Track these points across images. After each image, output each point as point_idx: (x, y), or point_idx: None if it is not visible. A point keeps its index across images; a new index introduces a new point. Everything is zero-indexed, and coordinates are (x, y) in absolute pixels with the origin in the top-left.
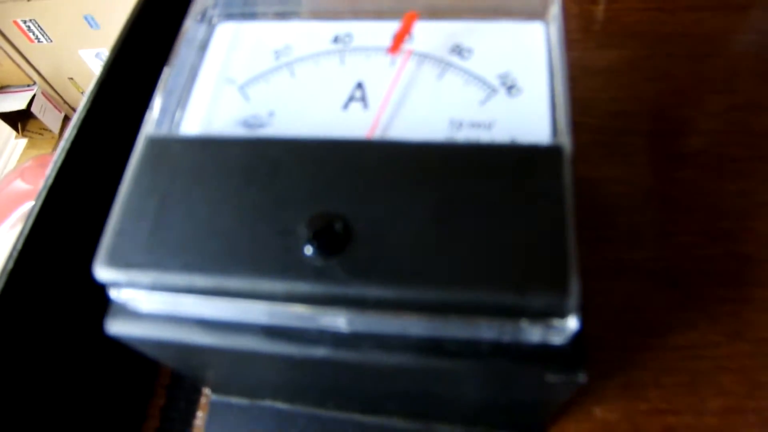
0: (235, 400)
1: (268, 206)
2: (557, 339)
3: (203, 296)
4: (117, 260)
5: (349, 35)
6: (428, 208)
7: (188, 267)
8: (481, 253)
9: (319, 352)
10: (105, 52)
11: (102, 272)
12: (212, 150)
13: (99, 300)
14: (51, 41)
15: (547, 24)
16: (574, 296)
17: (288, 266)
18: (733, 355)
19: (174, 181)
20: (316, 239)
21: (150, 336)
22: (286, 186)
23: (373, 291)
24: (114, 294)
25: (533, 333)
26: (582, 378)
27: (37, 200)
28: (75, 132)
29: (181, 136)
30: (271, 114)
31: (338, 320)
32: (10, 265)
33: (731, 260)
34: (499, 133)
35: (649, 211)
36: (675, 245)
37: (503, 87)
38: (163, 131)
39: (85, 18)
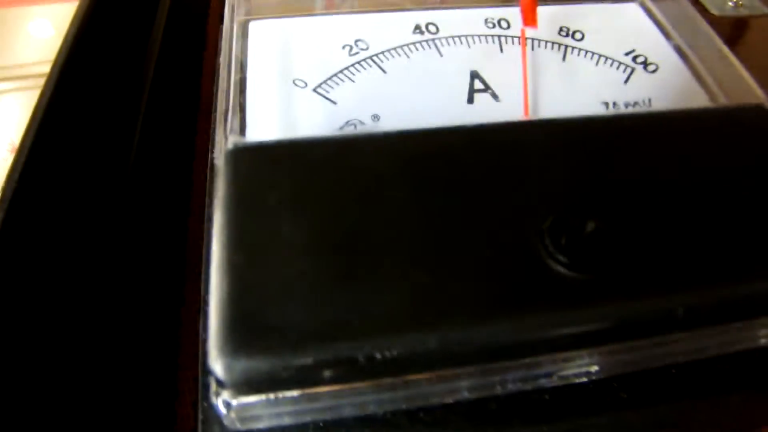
0: None
1: (465, 217)
2: None
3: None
4: (255, 344)
5: (433, 24)
6: (673, 191)
7: (385, 327)
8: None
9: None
10: None
11: (230, 367)
12: (346, 152)
13: None
14: None
15: (642, 4)
16: None
17: (536, 294)
18: None
19: (304, 201)
20: (570, 249)
21: None
22: (478, 186)
23: (666, 304)
24: (228, 400)
25: None
26: None
27: None
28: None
29: (298, 139)
30: (376, 117)
31: (590, 367)
32: None
33: None
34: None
35: None
36: None
37: (638, 64)
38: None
39: None
